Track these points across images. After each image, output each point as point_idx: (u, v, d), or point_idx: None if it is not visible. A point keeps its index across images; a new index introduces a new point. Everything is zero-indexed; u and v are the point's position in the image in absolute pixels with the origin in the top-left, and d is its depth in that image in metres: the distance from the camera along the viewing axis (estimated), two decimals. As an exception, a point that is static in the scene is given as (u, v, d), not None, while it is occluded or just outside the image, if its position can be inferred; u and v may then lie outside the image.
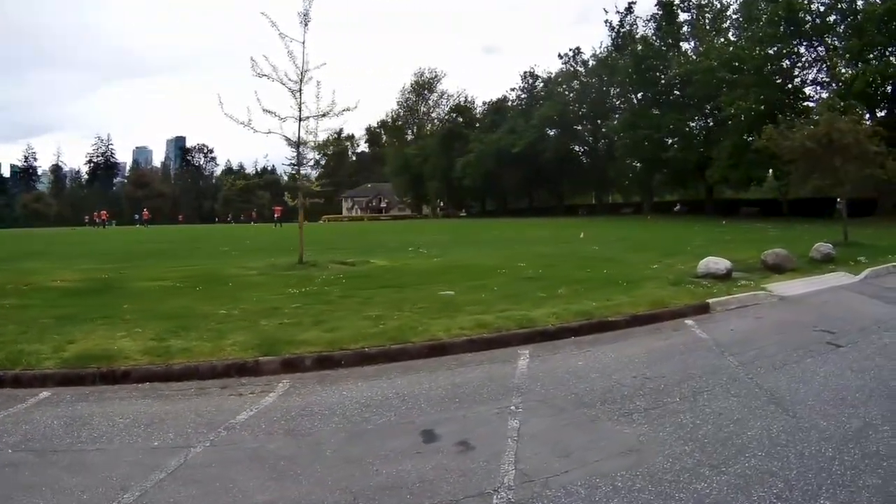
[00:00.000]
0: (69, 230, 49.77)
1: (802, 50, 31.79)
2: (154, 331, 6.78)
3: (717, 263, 9.59)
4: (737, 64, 31.68)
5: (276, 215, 45.16)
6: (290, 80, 12.26)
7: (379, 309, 7.97)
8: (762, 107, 29.40)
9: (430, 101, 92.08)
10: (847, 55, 27.48)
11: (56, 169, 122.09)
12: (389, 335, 6.54)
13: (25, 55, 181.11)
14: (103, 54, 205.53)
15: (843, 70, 27.08)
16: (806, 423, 4.22)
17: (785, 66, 32.35)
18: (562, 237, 21.99)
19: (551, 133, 56.54)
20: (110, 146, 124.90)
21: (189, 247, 21.75)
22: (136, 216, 66.91)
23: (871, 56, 26.22)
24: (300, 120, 12.70)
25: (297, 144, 13.11)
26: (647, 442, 3.97)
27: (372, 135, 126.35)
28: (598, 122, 52.58)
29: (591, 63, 54.97)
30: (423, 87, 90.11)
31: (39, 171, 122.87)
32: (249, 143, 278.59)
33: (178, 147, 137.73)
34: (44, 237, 34.24)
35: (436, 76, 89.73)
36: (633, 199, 58.77)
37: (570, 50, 56.44)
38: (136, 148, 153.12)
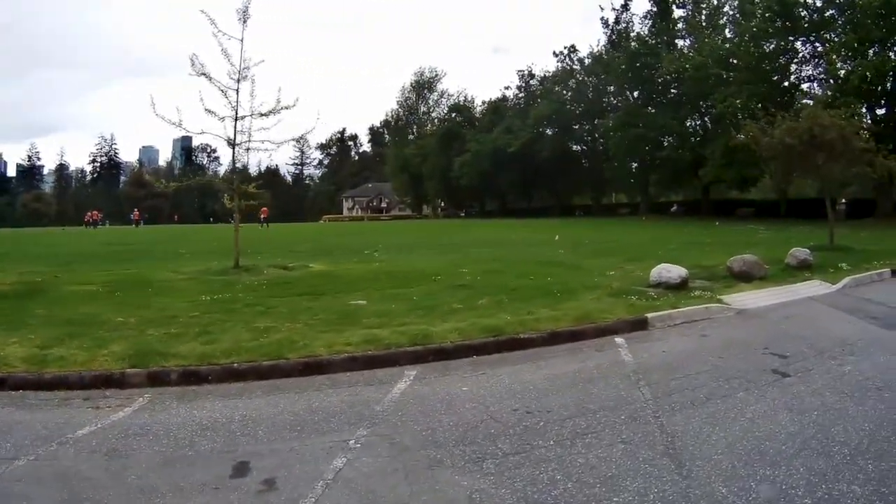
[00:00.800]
0: (59, 230, 49.35)
1: (798, 45, 30.30)
2: (44, 338, 6.44)
3: (669, 271, 8.43)
4: (733, 61, 30.29)
5: (262, 216, 44.02)
6: (230, 78, 11.67)
7: (272, 320, 7.24)
8: (757, 104, 28.02)
9: (430, 101, 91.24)
10: (843, 50, 25.98)
11: (60, 168, 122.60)
12: (265, 350, 5.94)
13: (33, 54, 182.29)
14: (110, 53, 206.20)
15: (841, 66, 25.57)
16: (698, 488, 3.17)
17: (781, 62, 30.80)
18: (536, 240, 20.83)
19: (548, 133, 55.06)
20: (114, 145, 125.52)
21: (147, 249, 20.84)
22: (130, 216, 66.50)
23: (869, 51, 24.67)
24: (236, 119, 12.00)
25: (233, 145, 12.30)
26: (478, 501, 3.12)
27: (375, 134, 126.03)
28: (596, 121, 50.96)
29: (587, 61, 53.56)
30: (423, 86, 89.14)
31: (45, 171, 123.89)
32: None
33: (183, 147, 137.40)
34: (17, 237, 33.61)
35: (436, 75, 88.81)
36: (635, 199, 57.48)
37: (565, 48, 54.85)
38: (143, 147, 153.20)
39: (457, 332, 6.26)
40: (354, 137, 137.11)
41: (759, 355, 5.74)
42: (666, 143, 39.06)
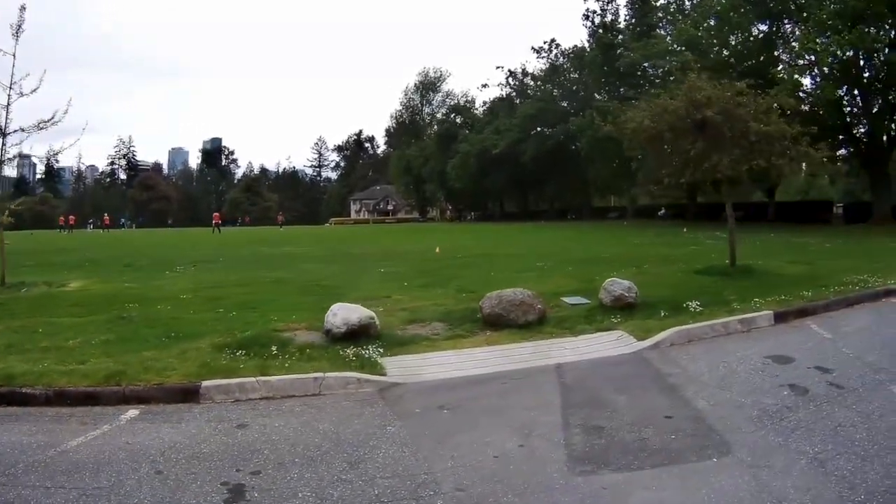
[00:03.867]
0: (27, 234, 48.88)
1: (764, 27, 26.59)
2: None
3: (335, 315, 6.00)
4: (703, 48, 26.92)
5: (214, 221, 43.33)
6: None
7: None
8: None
9: (434, 102, 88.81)
10: (815, 28, 22.36)
11: (79, 171, 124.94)
12: None
13: (64, 56, 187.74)
14: (142, 54, 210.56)
15: (814, 45, 22.01)
16: None
17: (750, 46, 27.19)
18: (426, 252, 18.15)
19: (535, 132, 51.89)
20: (132, 148, 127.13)
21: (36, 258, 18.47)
22: (122, 220, 66.47)
23: (842, 29, 21.07)
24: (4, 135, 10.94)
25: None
26: None
27: (390, 136, 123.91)
28: (570, 119, 47.43)
29: (572, 56, 50.05)
30: (428, 87, 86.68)
31: (69, 173, 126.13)
32: (288, 144, 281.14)
33: (203, 150, 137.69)
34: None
35: (440, 76, 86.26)
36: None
37: (545, 42, 50.94)
38: (172, 149, 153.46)
39: None
40: (371, 139, 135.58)
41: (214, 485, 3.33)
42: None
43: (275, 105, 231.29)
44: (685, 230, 28.03)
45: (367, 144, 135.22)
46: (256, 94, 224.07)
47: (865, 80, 26.98)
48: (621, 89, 38.72)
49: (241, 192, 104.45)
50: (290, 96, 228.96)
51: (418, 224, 66.69)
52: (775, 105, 11.63)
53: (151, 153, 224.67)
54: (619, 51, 36.77)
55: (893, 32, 23.37)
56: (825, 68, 21.83)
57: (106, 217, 57.78)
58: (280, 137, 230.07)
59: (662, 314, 7.45)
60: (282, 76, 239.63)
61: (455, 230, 37.43)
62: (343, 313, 5.96)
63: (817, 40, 21.70)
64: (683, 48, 26.25)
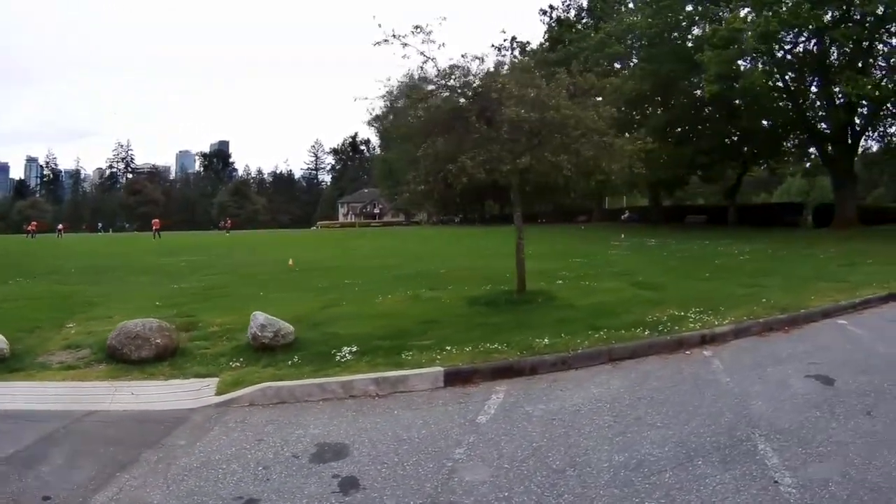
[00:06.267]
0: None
1: (690, 8, 23.79)
2: None
3: None
4: (638, 36, 24.46)
5: (154, 227, 42.71)
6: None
7: None
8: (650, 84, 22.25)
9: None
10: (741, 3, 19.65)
11: (76, 174, 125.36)
12: None
13: (73, 58, 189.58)
14: (151, 55, 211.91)
15: (739, 23, 19.29)
16: None
17: (679, 31, 24.54)
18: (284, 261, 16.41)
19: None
20: (130, 152, 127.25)
21: None
22: (100, 224, 65.89)
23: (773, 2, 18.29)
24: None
25: None
26: None
27: (384, 139, 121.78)
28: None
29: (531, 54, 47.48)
30: (412, 87, 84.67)
31: (82, 176, 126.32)
32: (288, 147, 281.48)
33: (203, 153, 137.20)
34: None
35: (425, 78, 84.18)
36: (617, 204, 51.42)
37: (505, 40, 48.33)
38: (179, 152, 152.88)
39: None
40: (367, 142, 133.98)
41: None
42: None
43: (277, 107, 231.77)
44: (622, 236, 25.74)
45: (362, 147, 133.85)
46: (262, 96, 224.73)
47: (827, 68, 24.37)
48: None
49: (229, 196, 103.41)
50: (291, 99, 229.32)
51: (396, 228, 64.83)
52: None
53: (160, 156, 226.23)
54: (561, 47, 34.36)
55: (839, 11, 20.64)
56: (755, 52, 19.13)
57: (61, 225, 57.40)
58: (281, 140, 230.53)
59: (296, 360, 5.89)
60: (282, 76, 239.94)
61: (400, 235, 35.56)
62: None
63: (742, 14, 19.01)
64: (614, 38, 23.84)
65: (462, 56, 8.77)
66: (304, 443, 4.20)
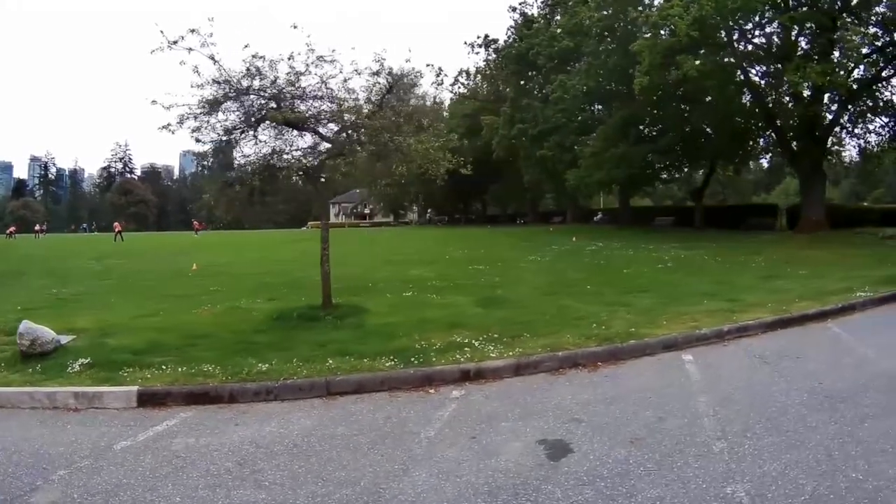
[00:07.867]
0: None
1: None
2: None
3: None
4: (594, 33, 23.28)
5: (116, 229, 42.09)
6: None
7: None
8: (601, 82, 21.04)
9: (410, 103, 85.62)
10: None
11: (73, 174, 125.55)
12: None
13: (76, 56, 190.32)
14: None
15: (670, 8, 17.94)
16: None
17: (626, 25, 23.33)
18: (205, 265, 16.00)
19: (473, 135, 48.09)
20: (128, 152, 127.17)
21: None
22: (84, 225, 65.73)
23: None
24: None
25: None
26: None
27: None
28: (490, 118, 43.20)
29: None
30: (400, 88, 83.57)
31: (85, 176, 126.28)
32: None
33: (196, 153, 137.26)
34: None
35: (413, 77, 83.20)
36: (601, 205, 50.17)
37: (478, 37, 46.79)
38: (183, 152, 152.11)
39: None
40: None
41: None
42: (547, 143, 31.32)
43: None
44: (574, 238, 24.65)
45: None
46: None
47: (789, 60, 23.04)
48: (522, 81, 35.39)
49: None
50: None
51: (382, 229, 63.82)
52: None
53: (164, 157, 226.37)
54: (522, 45, 33.26)
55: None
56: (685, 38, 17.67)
57: (37, 227, 57.47)
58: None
59: (38, 369, 5.91)
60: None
61: (360, 237, 34.64)
62: None
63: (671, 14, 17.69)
64: (563, 34, 22.72)
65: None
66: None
